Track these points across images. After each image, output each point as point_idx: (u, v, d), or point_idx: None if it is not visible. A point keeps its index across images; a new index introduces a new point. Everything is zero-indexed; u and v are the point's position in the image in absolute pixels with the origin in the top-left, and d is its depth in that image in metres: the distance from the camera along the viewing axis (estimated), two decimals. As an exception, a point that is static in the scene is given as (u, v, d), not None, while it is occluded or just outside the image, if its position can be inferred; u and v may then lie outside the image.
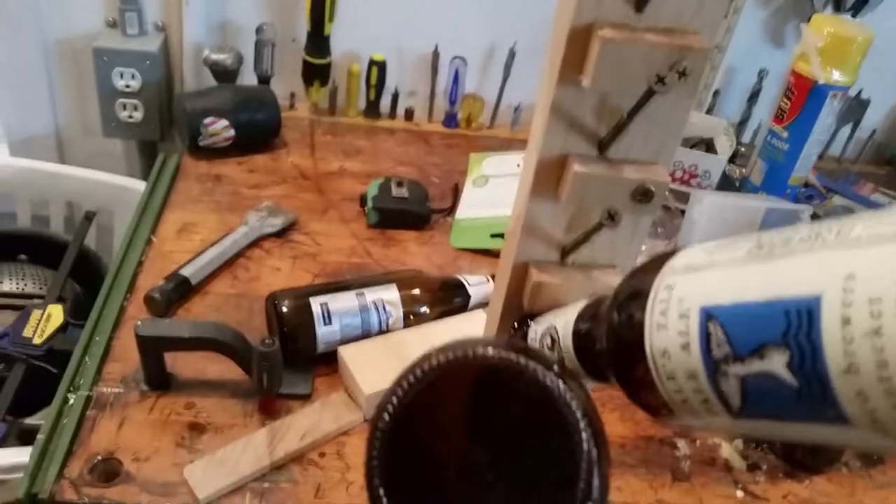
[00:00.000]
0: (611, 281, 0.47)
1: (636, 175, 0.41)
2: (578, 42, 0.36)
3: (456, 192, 1.09)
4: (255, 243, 0.92)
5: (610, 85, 0.37)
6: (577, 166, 0.40)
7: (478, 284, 0.84)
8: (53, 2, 1.13)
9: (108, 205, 1.17)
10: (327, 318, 0.74)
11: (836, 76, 0.98)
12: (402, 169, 1.14)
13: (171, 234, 0.92)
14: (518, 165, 1.09)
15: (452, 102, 1.25)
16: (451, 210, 1.06)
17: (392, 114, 1.27)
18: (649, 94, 0.36)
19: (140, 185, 1.14)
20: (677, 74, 0.33)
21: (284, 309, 0.73)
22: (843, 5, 1.18)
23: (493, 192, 1.07)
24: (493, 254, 0.98)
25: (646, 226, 0.47)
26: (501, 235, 0.99)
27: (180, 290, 0.81)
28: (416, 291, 0.80)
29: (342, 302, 0.75)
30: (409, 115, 1.27)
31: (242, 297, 0.84)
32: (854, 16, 1.19)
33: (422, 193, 1.03)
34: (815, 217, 1.05)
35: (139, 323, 0.67)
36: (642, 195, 0.42)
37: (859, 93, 1.27)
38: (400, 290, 0.79)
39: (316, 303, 0.74)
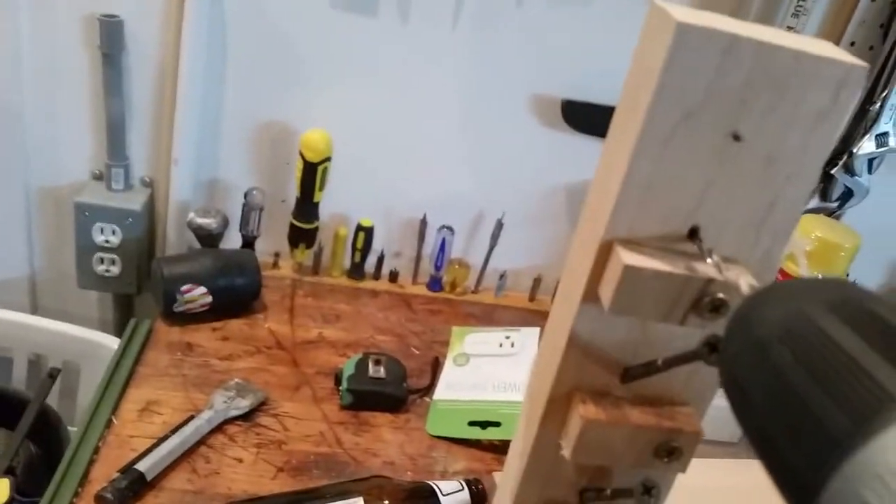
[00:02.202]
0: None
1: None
2: (558, 409, 0.34)
3: (435, 368, 1.06)
4: (220, 427, 0.88)
5: (591, 459, 0.34)
6: None
7: (451, 493, 0.80)
8: (41, 150, 1.12)
9: (76, 359, 1.13)
10: (285, 540, 0.69)
11: (824, 279, 0.98)
12: (381, 338, 1.11)
13: (132, 414, 0.87)
14: (500, 346, 1.07)
15: (438, 268, 1.23)
16: (429, 389, 1.02)
17: (377, 274, 1.25)
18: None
19: (110, 341, 1.11)
20: (666, 455, 0.31)
21: (240, 527, 0.69)
22: (829, 196, 1.19)
23: (474, 373, 1.03)
24: (471, 444, 0.94)
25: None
26: (479, 424, 0.95)
27: (134, 488, 0.76)
28: (384, 503, 0.76)
29: (303, 520, 0.70)
30: (393, 276, 1.25)
31: (199, 495, 0.79)
32: (840, 206, 1.20)
33: (400, 373, 1.00)
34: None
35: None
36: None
37: (846, 277, 1.27)
38: (366, 503, 0.74)
39: (274, 522, 0.69)
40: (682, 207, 0.35)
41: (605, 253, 0.35)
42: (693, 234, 0.36)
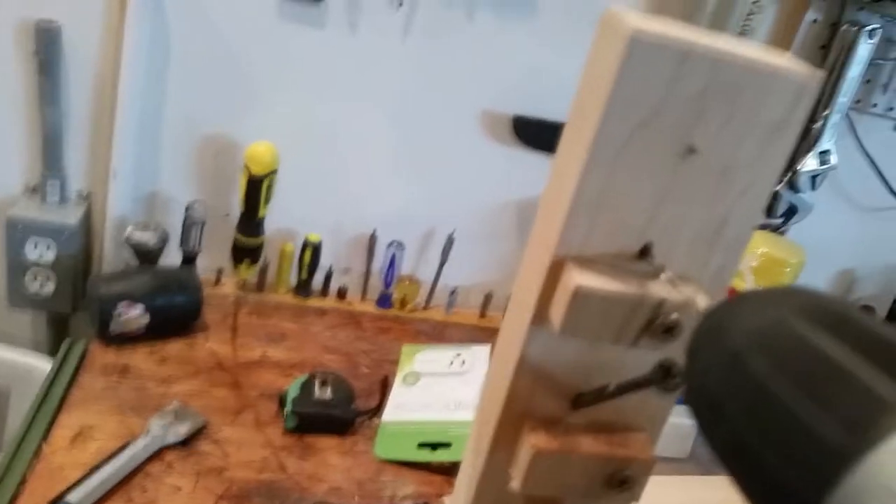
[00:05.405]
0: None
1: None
2: (507, 436, 0.32)
3: (384, 388, 1.03)
4: (157, 454, 0.84)
5: (542, 490, 0.33)
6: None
7: (398, 520, 0.78)
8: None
9: (6, 382, 1.07)
10: (224, 574, 0.66)
11: (771, 297, 0.98)
12: (329, 358, 1.08)
13: (64, 441, 0.83)
14: (451, 363, 1.05)
15: (388, 285, 1.21)
16: (378, 410, 1.00)
17: (324, 291, 1.22)
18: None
19: (43, 363, 1.06)
20: (618, 485, 0.29)
21: (176, 562, 0.65)
22: (774, 212, 1.21)
23: (424, 392, 1.01)
24: (421, 466, 0.92)
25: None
26: (429, 445, 0.93)
27: (63, 521, 0.72)
28: (329, 532, 0.73)
29: (243, 553, 0.67)
30: (341, 294, 1.22)
31: (134, 527, 0.75)
32: (785, 223, 1.21)
33: (347, 394, 0.97)
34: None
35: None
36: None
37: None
38: (310, 532, 0.71)
39: (212, 556, 0.66)
40: (634, 224, 0.34)
41: (555, 272, 0.34)
42: (645, 251, 0.35)
